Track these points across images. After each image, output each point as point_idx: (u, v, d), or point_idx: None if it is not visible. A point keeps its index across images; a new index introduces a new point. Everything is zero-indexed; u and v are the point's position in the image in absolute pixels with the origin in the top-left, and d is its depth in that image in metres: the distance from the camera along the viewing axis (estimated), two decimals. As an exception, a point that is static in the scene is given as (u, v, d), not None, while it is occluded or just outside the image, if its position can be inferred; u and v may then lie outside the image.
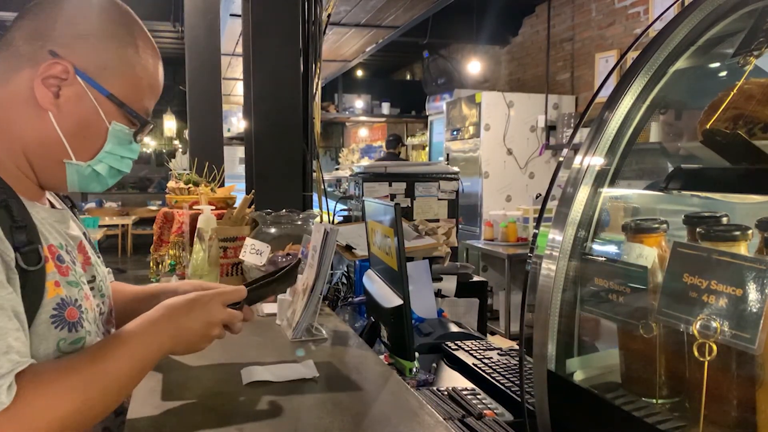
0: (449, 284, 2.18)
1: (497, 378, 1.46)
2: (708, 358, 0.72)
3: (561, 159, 0.97)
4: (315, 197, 2.80)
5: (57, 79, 0.89)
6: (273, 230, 2.15)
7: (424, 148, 9.16)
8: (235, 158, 9.34)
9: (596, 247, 0.96)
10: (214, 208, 2.69)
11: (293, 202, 2.55)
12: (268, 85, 2.62)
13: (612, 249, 0.94)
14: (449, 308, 2.07)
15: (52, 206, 1.01)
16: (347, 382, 1.17)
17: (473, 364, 1.52)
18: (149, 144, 15.20)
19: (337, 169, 5.91)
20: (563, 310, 0.95)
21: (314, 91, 2.74)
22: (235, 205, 3.06)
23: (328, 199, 2.91)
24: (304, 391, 1.11)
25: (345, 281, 2.17)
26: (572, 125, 5.77)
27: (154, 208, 11.05)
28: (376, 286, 1.60)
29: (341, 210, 3.16)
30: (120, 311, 1.14)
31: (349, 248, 2.15)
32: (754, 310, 0.68)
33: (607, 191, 0.98)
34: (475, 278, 2.36)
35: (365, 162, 8.43)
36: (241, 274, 2.16)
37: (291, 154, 2.66)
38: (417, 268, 1.88)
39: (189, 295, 1.00)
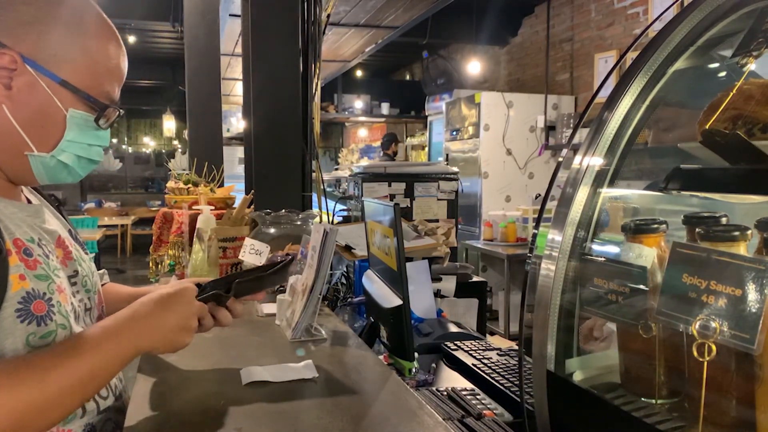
0: (449, 284, 2.18)
1: (496, 378, 1.46)
2: (707, 359, 0.72)
3: (560, 159, 0.97)
4: (314, 197, 2.81)
5: (5, 70, 0.87)
6: (272, 230, 2.14)
7: (423, 148, 9.15)
8: (234, 158, 9.34)
9: (596, 247, 0.96)
10: (213, 208, 2.69)
11: (293, 203, 2.55)
12: (267, 86, 2.62)
13: (611, 249, 0.94)
14: (449, 308, 2.07)
15: (29, 202, 1.00)
16: (347, 383, 1.17)
17: (473, 364, 1.52)
18: (149, 144, 15.22)
19: (336, 169, 5.92)
20: (563, 311, 0.95)
21: (314, 91, 2.74)
22: (234, 206, 3.06)
23: (328, 200, 2.91)
24: (303, 392, 1.11)
25: (344, 281, 2.17)
26: (571, 125, 5.78)
27: (153, 208, 11.05)
28: (375, 286, 1.60)
29: (340, 210, 3.16)
30: (114, 312, 1.14)
31: (348, 248, 2.15)
32: (754, 311, 0.68)
33: (606, 191, 0.98)
34: (475, 278, 2.36)
35: (365, 162, 8.43)
36: (240, 275, 2.16)
37: (290, 155, 2.66)
38: (416, 269, 1.88)
39: (157, 291, 0.99)
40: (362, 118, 10.88)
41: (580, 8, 6.20)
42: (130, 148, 15.07)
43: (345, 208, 3.18)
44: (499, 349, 1.63)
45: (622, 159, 0.98)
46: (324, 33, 2.88)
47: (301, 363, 1.22)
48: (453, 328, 1.79)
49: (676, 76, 0.98)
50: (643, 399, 0.87)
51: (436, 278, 2.14)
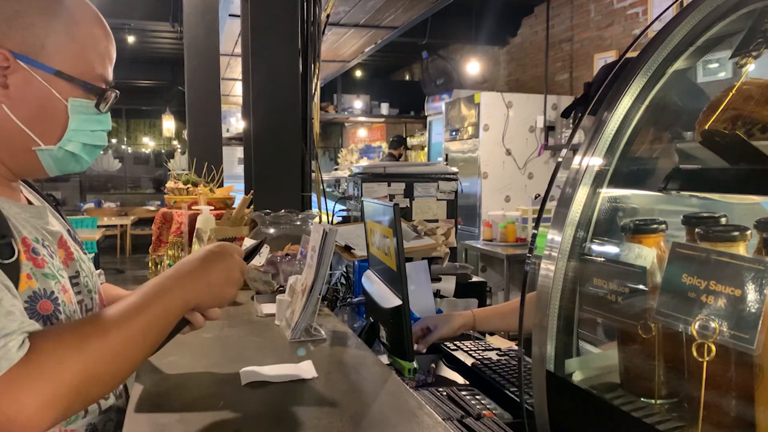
0: (448, 284, 2.18)
1: (496, 378, 1.46)
2: (707, 359, 0.72)
3: (560, 159, 0.97)
4: (314, 197, 2.81)
5: None
6: (272, 230, 2.14)
7: (422, 148, 9.16)
8: (233, 158, 9.34)
9: (595, 247, 0.96)
10: (212, 208, 2.69)
11: (292, 203, 2.55)
12: (267, 86, 2.62)
13: (611, 249, 0.94)
14: (448, 309, 2.07)
15: (30, 203, 1.00)
16: (346, 383, 1.17)
17: (472, 364, 1.52)
18: (148, 144, 15.22)
19: (336, 169, 5.92)
20: (562, 311, 0.95)
21: (313, 91, 2.74)
22: (233, 206, 3.06)
23: (327, 200, 2.91)
24: (302, 392, 1.11)
25: (344, 282, 2.17)
26: (571, 126, 5.78)
27: (152, 208, 11.04)
28: (375, 286, 1.60)
29: (340, 210, 3.16)
30: None
31: (348, 248, 2.15)
32: (753, 311, 0.68)
33: (605, 191, 0.98)
34: (474, 279, 2.36)
35: (364, 162, 8.43)
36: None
37: (290, 155, 2.66)
38: (416, 269, 1.87)
39: (201, 249, 1.01)
40: (362, 119, 10.88)
41: (579, 8, 6.21)
42: (129, 148, 15.06)
43: (344, 208, 3.18)
44: (499, 349, 1.63)
45: (621, 159, 0.98)
46: (323, 33, 2.88)
47: (300, 363, 1.22)
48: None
49: (675, 77, 0.98)
50: (642, 399, 0.87)
51: (435, 278, 2.14)
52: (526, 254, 0.94)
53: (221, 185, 3.63)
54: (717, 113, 0.87)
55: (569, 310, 0.95)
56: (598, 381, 0.96)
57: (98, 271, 1.25)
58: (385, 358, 1.52)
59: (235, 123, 10.57)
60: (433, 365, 1.57)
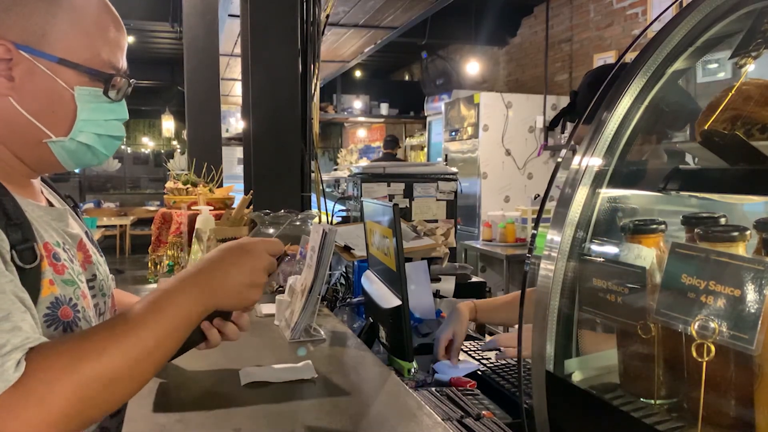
0: (448, 285, 2.18)
1: (495, 378, 1.46)
2: (706, 359, 0.72)
3: (559, 160, 0.97)
4: (313, 198, 2.81)
5: (2, 61, 0.85)
6: (271, 231, 2.14)
7: (422, 148, 9.15)
8: (233, 159, 9.33)
9: (595, 247, 0.95)
10: (212, 208, 2.69)
11: (292, 203, 2.55)
12: (266, 86, 2.62)
13: (610, 250, 0.94)
14: (448, 309, 2.07)
15: (51, 205, 0.99)
16: (346, 383, 1.17)
17: (472, 364, 1.52)
18: (147, 144, 15.21)
19: (335, 169, 5.92)
20: (562, 311, 0.95)
21: (312, 91, 2.74)
22: (233, 206, 3.06)
23: (327, 200, 2.91)
24: (302, 392, 1.11)
25: (343, 282, 2.17)
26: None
27: (152, 208, 11.04)
28: (374, 286, 1.60)
29: (340, 210, 3.16)
30: None
31: (347, 249, 2.15)
32: (753, 311, 0.68)
33: (605, 192, 0.98)
34: (474, 279, 2.36)
35: (364, 162, 8.43)
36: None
37: (289, 155, 2.66)
38: (415, 269, 1.88)
39: (227, 243, 0.93)
40: (361, 119, 10.87)
41: (579, 9, 6.21)
42: (129, 148, 15.05)
43: (344, 208, 3.18)
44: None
45: (621, 159, 0.98)
46: (323, 33, 2.88)
47: (300, 363, 1.22)
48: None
49: (675, 77, 0.98)
50: (642, 399, 0.87)
51: (435, 278, 2.14)
52: (526, 254, 0.94)
53: (221, 185, 3.63)
54: (716, 113, 0.87)
55: (569, 310, 0.95)
56: (598, 381, 0.96)
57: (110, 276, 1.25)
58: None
59: (234, 123, 10.57)
60: (433, 365, 1.57)
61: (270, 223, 2.17)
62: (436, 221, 2.80)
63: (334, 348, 1.40)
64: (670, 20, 0.96)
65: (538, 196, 5.70)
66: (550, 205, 0.99)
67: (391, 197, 2.90)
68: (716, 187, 0.88)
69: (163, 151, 14.96)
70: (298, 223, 2.17)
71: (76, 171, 13.05)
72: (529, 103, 6.12)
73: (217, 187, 3.45)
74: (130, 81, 0.97)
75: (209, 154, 4.19)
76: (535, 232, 0.97)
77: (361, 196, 2.88)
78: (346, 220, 3.02)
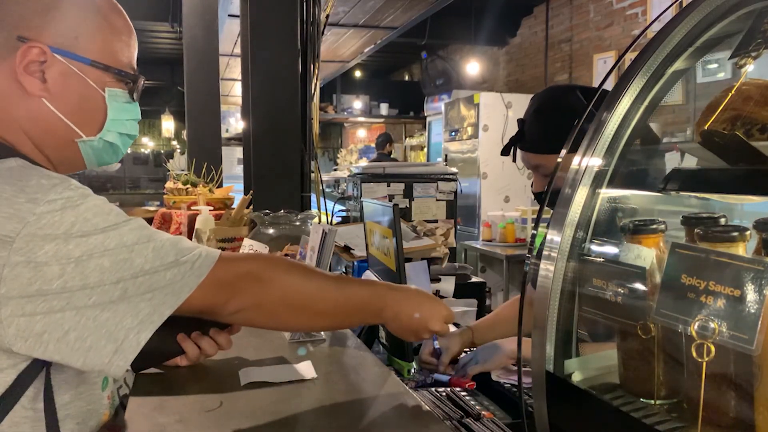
0: (447, 285, 2.18)
1: (495, 379, 1.46)
2: (706, 359, 0.72)
3: (559, 160, 0.97)
4: (313, 198, 2.81)
5: (37, 63, 0.87)
6: (271, 231, 2.14)
7: (422, 148, 9.16)
8: (233, 159, 9.33)
9: (594, 248, 0.95)
10: (212, 208, 2.69)
11: (291, 203, 2.55)
12: (266, 86, 2.62)
13: (610, 250, 0.94)
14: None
15: None
16: (345, 383, 1.17)
17: (471, 364, 1.51)
18: (147, 145, 15.20)
19: (335, 169, 5.91)
20: (561, 311, 0.95)
21: (312, 91, 2.74)
22: (233, 206, 3.06)
23: (327, 200, 2.91)
24: (302, 393, 1.11)
25: (343, 282, 2.17)
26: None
27: (152, 208, 11.04)
28: (374, 286, 1.59)
29: (339, 210, 3.16)
30: None
31: (347, 249, 2.15)
32: (752, 311, 0.68)
33: (605, 192, 0.98)
34: (474, 279, 2.36)
35: (363, 163, 8.43)
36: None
37: (289, 155, 2.66)
38: (415, 269, 1.88)
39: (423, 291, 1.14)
40: (361, 119, 10.87)
41: (578, 9, 6.21)
42: (128, 148, 15.04)
43: (344, 208, 3.18)
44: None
45: (621, 159, 0.98)
46: (323, 33, 2.88)
47: (299, 364, 1.22)
48: (451, 329, 1.79)
49: (674, 77, 0.98)
50: (642, 399, 0.87)
51: (435, 279, 2.14)
52: (526, 254, 0.94)
53: (220, 185, 3.63)
54: (716, 114, 0.87)
55: (568, 311, 0.95)
56: (598, 381, 0.96)
57: None
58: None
59: (234, 123, 10.56)
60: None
61: (270, 224, 2.17)
62: (435, 221, 2.80)
63: (334, 348, 1.40)
64: (670, 20, 0.96)
65: (538, 196, 5.69)
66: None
67: (390, 197, 2.90)
68: (716, 187, 0.88)
69: (162, 152, 14.95)
70: (297, 223, 2.17)
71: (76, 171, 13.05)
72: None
73: (217, 187, 3.45)
74: (144, 80, 1.01)
75: (209, 154, 4.19)
76: (535, 232, 0.98)
77: (361, 196, 2.88)
78: (345, 220, 3.02)
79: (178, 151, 12.27)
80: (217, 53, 4.64)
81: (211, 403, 1.05)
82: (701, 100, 0.95)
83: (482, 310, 2.25)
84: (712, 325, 0.72)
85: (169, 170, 4.17)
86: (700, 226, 0.81)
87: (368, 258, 1.73)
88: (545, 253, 0.94)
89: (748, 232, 0.76)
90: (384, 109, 10.34)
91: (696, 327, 0.73)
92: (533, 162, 1.52)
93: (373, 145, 10.99)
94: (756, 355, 0.69)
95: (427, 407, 1.03)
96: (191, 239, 2.35)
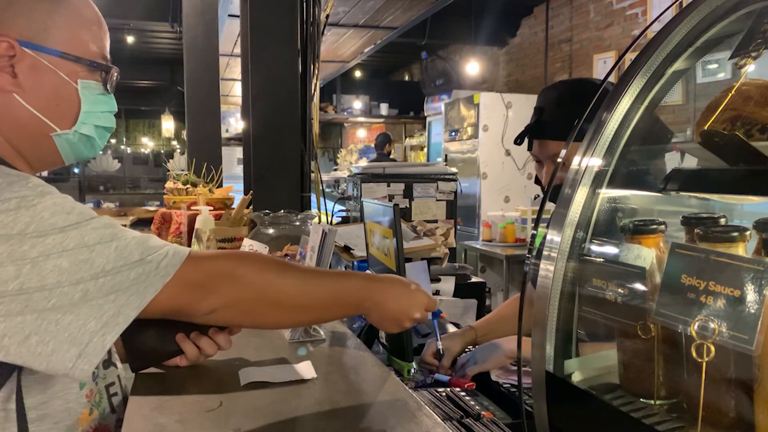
0: (447, 285, 2.18)
1: (495, 379, 1.46)
2: (706, 359, 0.72)
3: (559, 160, 0.97)
4: (313, 198, 2.81)
5: (5, 57, 0.86)
6: (271, 231, 2.14)
7: (422, 149, 9.15)
8: (233, 159, 9.33)
9: (594, 248, 0.95)
10: (212, 208, 2.69)
11: (291, 203, 2.55)
12: (266, 86, 2.62)
13: (610, 250, 0.94)
14: (447, 309, 2.07)
15: None
16: (345, 383, 1.17)
17: (471, 365, 1.51)
18: (147, 145, 15.20)
19: (335, 169, 5.92)
20: (561, 311, 0.95)
21: (312, 91, 2.74)
22: (233, 206, 3.06)
23: (327, 200, 2.91)
24: (302, 393, 1.11)
25: (343, 282, 2.17)
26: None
27: (152, 208, 11.03)
28: (374, 286, 1.59)
29: (339, 211, 3.16)
30: None
31: (347, 249, 2.15)
32: (752, 311, 0.68)
33: (605, 192, 0.98)
34: (474, 279, 2.36)
35: (363, 163, 8.43)
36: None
37: (289, 155, 2.66)
38: (415, 269, 1.88)
39: (398, 278, 1.11)
40: (361, 119, 10.87)
41: (578, 9, 6.21)
42: (128, 148, 15.05)
43: (344, 208, 3.18)
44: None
45: (621, 160, 0.98)
46: (323, 33, 2.88)
47: (299, 364, 1.22)
48: (451, 329, 1.79)
49: (674, 77, 0.98)
50: (642, 400, 0.87)
51: (434, 279, 2.14)
52: (526, 255, 0.94)
53: (220, 185, 3.63)
54: (716, 114, 0.87)
55: (568, 311, 0.95)
56: (598, 381, 0.96)
57: None
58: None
59: (234, 123, 10.56)
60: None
61: (270, 224, 2.17)
62: (435, 221, 2.80)
63: (334, 348, 1.40)
64: (670, 21, 0.96)
65: (538, 196, 5.70)
66: (550, 206, 0.99)
67: (390, 197, 2.90)
68: (716, 188, 0.88)
69: (162, 151, 14.94)
70: (297, 223, 2.17)
71: (76, 171, 13.06)
72: (529, 103, 6.09)
73: (217, 187, 3.44)
74: (119, 72, 1.00)
75: (209, 154, 4.19)
76: (535, 232, 0.98)
77: (361, 196, 2.88)
78: (345, 221, 3.02)
79: (178, 151, 12.26)
80: (217, 53, 4.64)
81: (211, 403, 1.05)
82: (701, 100, 0.95)
83: (482, 311, 2.25)
84: (712, 325, 0.72)
85: (169, 170, 4.17)
86: (700, 226, 0.81)
87: (368, 258, 1.73)
88: (545, 253, 0.94)
89: (748, 233, 0.76)
90: (384, 109, 10.34)
91: (696, 327, 0.73)
92: (553, 151, 1.49)
93: (373, 145, 11.00)
94: (756, 355, 0.69)
95: (427, 407, 1.03)
96: (191, 239, 2.35)
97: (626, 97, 0.97)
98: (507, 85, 7.60)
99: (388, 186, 2.91)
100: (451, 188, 2.98)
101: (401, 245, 1.34)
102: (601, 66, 5.79)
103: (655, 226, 0.90)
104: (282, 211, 2.24)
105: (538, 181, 1.59)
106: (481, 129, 5.99)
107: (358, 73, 10.64)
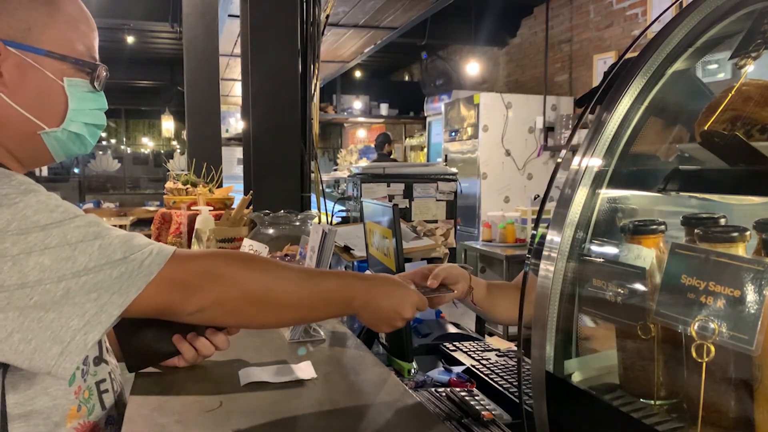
0: (447, 285, 2.17)
1: (495, 379, 1.46)
2: (706, 359, 0.72)
3: (559, 160, 0.97)
4: (313, 198, 2.80)
5: None
6: (271, 231, 2.14)
7: (422, 149, 9.15)
8: (233, 159, 9.33)
9: (594, 248, 0.95)
10: (212, 208, 2.69)
11: (291, 203, 2.55)
12: (266, 86, 2.62)
13: (610, 250, 0.94)
14: (447, 309, 2.07)
15: None
16: (345, 384, 1.17)
17: (471, 365, 1.52)
18: (147, 145, 15.21)
19: (335, 169, 5.92)
20: (561, 311, 0.95)
21: (312, 91, 2.74)
22: (233, 206, 3.06)
23: (327, 200, 2.91)
24: (301, 393, 1.11)
25: (343, 282, 2.17)
26: (570, 126, 5.78)
27: (152, 208, 11.02)
28: (374, 287, 1.59)
29: (339, 211, 3.16)
30: None
31: (347, 249, 2.15)
32: (752, 311, 0.68)
33: (605, 192, 0.98)
34: (474, 279, 2.35)
35: (363, 163, 8.43)
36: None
37: (289, 155, 2.66)
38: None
39: (390, 277, 1.11)
40: (361, 119, 10.87)
41: (578, 9, 6.21)
42: (128, 148, 15.05)
43: (344, 208, 3.18)
44: (498, 350, 1.63)
45: (620, 160, 0.98)
46: (323, 33, 2.88)
47: (299, 364, 1.22)
48: (452, 329, 1.79)
49: (674, 77, 0.98)
50: (641, 400, 0.87)
51: (434, 279, 2.13)
52: (525, 255, 0.94)
53: (220, 186, 3.63)
54: (716, 114, 0.87)
55: (568, 311, 0.95)
56: (598, 381, 0.96)
57: None
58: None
59: (234, 123, 10.56)
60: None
61: (270, 224, 2.17)
62: (435, 221, 2.80)
63: (334, 348, 1.39)
64: (670, 21, 0.96)
65: (538, 196, 5.70)
66: (550, 206, 0.99)
67: (390, 198, 2.90)
68: (716, 188, 0.88)
69: (162, 152, 14.94)
70: (297, 223, 2.17)
71: (76, 171, 13.05)
72: (529, 103, 6.12)
73: (217, 188, 3.45)
74: (107, 70, 0.99)
75: (209, 155, 4.19)
76: (535, 232, 0.98)
77: (361, 196, 2.88)
78: (345, 221, 3.02)
79: (178, 151, 12.27)
80: (217, 53, 4.64)
81: (211, 404, 1.05)
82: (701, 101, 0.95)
83: (482, 311, 2.25)
84: (711, 325, 0.72)
85: (169, 170, 4.17)
86: (700, 226, 0.81)
87: (368, 258, 1.73)
88: (545, 253, 0.94)
89: (748, 233, 0.76)
90: (384, 109, 10.34)
91: (696, 327, 0.73)
92: None
93: (373, 145, 11.00)
94: (756, 355, 0.69)
95: (427, 407, 1.03)
96: (191, 239, 2.35)
97: (626, 97, 0.97)
98: (507, 85, 7.60)
99: (388, 186, 2.91)
100: (451, 188, 2.98)
101: (401, 245, 1.34)
102: (601, 66, 5.79)
103: (655, 227, 0.90)
104: (282, 211, 2.24)
105: None
106: (481, 129, 5.99)
107: (358, 74, 10.64)
